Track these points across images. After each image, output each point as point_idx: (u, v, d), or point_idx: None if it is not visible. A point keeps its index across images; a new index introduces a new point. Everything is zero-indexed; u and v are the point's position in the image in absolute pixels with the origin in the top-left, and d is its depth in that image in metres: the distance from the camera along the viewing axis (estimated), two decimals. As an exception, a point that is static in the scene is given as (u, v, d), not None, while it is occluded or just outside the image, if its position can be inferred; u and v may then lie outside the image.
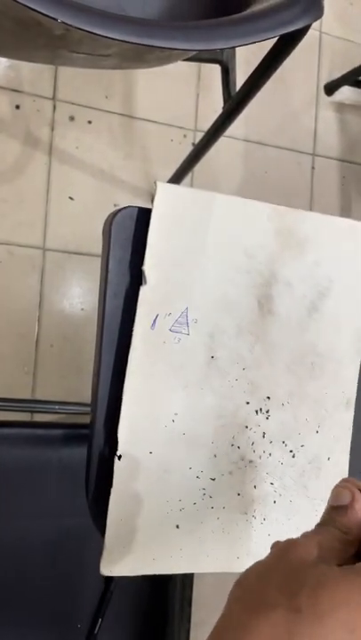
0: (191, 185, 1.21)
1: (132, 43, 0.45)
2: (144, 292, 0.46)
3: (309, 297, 0.52)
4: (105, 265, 0.47)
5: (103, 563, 0.45)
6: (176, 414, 0.48)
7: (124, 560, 0.46)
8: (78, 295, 1.11)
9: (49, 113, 1.13)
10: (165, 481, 0.47)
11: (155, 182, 0.46)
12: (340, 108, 1.37)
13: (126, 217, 0.47)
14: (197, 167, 1.13)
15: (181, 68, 1.22)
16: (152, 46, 0.47)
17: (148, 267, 0.46)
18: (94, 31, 0.43)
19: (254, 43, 0.50)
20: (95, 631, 0.71)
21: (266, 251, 0.50)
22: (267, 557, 0.30)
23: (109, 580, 0.72)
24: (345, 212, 1.36)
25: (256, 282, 0.50)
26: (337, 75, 1.33)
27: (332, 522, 0.31)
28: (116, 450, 0.46)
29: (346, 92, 1.37)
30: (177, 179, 1.09)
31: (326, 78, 1.36)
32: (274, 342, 0.51)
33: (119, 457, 0.46)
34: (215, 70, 0.92)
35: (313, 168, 1.33)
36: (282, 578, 0.28)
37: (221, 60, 0.87)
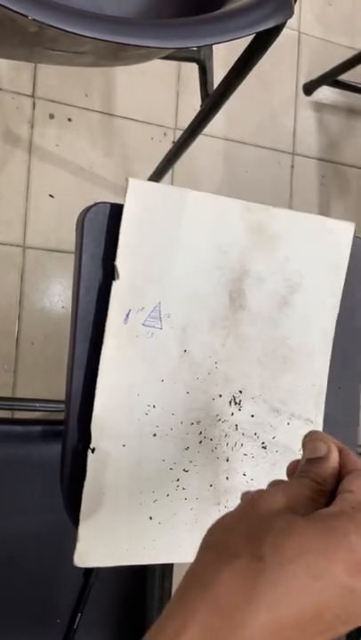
0: (172, 183, 1.22)
1: (102, 40, 0.45)
2: (116, 287, 0.47)
3: (280, 292, 0.53)
4: (78, 261, 0.48)
5: (77, 554, 0.46)
6: (149, 407, 0.48)
7: (97, 551, 0.46)
8: (59, 293, 1.11)
9: (28, 110, 1.13)
10: (138, 473, 0.48)
11: (126, 178, 0.47)
12: (319, 107, 1.39)
13: (99, 213, 0.48)
14: (178, 166, 1.13)
15: (161, 67, 1.22)
16: (124, 44, 0.47)
17: (121, 262, 0.47)
18: (65, 28, 0.43)
19: (225, 42, 0.51)
20: (75, 626, 0.72)
21: (238, 246, 0.51)
22: (236, 508, 0.30)
23: (88, 574, 0.73)
24: (324, 210, 1.37)
25: (228, 277, 0.51)
26: (316, 75, 1.34)
27: (307, 474, 0.31)
28: (90, 443, 0.46)
29: (325, 92, 1.38)
30: (157, 177, 1.09)
31: (305, 78, 1.37)
32: (246, 336, 0.52)
33: (92, 450, 0.46)
34: (195, 69, 0.92)
35: (292, 167, 1.34)
36: (248, 527, 0.28)
37: (198, 58, 0.87)
